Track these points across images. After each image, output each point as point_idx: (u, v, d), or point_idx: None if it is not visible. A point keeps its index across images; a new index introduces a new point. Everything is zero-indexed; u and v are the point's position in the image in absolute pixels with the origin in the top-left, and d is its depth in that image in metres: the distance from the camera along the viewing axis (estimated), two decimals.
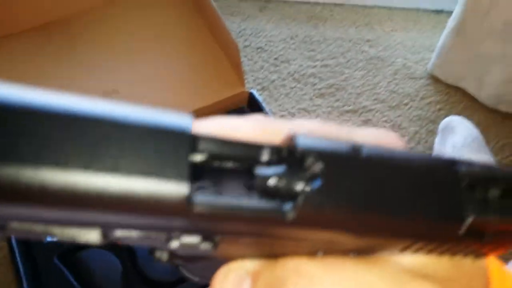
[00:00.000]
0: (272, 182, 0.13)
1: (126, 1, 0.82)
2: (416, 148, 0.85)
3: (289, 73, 0.93)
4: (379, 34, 0.99)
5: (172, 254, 0.17)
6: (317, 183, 0.13)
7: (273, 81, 0.91)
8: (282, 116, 0.87)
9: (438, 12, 1.05)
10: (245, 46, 0.96)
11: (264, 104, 0.76)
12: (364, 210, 0.14)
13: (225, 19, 0.75)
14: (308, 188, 0.13)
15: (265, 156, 0.14)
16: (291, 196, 0.13)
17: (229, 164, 0.14)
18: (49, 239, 0.14)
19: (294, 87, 0.91)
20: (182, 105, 0.74)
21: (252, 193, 0.14)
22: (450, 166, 0.15)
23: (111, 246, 0.61)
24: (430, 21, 1.03)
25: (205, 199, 0.12)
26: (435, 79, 0.93)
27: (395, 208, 0.14)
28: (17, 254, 0.57)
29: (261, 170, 0.13)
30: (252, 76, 0.92)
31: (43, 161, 0.11)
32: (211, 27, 0.82)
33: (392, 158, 0.15)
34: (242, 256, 0.17)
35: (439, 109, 0.90)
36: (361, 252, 0.16)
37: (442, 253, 0.16)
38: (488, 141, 0.85)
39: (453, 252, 0.16)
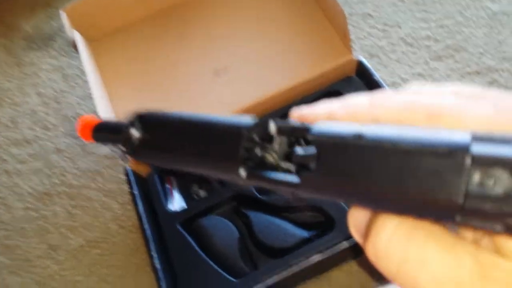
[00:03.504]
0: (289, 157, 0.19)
1: None
2: None
3: (399, 37, 0.86)
4: None
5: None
6: (313, 165, 0.17)
7: (382, 47, 0.86)
8: (393, 82, 0.82)
9: None
10: (351, 14, 0.91)
11: (373, 71, 0.72)
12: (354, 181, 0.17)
13: None
14: (312, 165, 0.17)
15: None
16: (304, 168, 0.18)
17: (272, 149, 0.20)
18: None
19: (406, 51, 0.85)
20: (290, 78, 0.74)
21: (282, 165, 0.20)
22: (459, 147, 0.15)
23: (226, 213, 0.64)
24: None
25: (248, 173, 0.19)
26: None
27: (380, 181, 0.16)
28: (144, 221, 0.61)
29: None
30: (358, 44, 0.88)
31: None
32: None
33: (392, 140, 0.16)
34: None
35: None
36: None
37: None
38: None
39: None
